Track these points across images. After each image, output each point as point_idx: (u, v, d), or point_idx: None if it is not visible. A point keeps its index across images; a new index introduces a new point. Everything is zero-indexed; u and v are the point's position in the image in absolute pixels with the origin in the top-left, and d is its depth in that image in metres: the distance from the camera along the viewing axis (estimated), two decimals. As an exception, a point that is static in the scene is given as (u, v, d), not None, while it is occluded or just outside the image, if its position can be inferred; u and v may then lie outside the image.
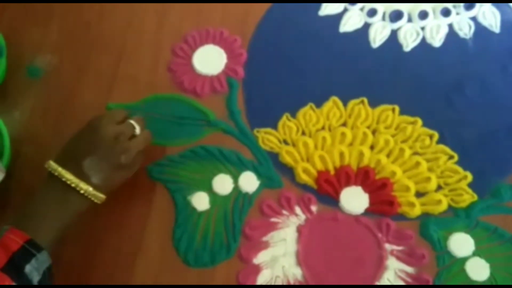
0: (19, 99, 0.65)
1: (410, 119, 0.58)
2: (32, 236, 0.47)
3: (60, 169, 0.50)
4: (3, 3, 0.70)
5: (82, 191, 0.49)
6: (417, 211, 0.55)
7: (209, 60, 0.63)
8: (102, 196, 0.51)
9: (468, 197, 0.55)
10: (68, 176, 0.49)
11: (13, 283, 0.44)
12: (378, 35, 0.62)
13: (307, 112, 0.60)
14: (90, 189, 0.50)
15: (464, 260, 0.53)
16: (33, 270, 0.45)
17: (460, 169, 0.56)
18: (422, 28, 0.62)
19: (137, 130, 0.55)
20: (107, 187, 0.51)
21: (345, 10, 0.63)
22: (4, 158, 0.59)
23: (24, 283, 0.45)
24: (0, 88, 0.65)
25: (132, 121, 0.55)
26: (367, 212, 0.56)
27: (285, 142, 0.59)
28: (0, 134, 0.60)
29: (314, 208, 0.56)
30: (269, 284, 0.54)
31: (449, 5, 0.62)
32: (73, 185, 0.49)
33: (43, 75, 0.66)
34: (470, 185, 0.55)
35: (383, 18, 0.63)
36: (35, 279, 0.46)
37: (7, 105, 0.65)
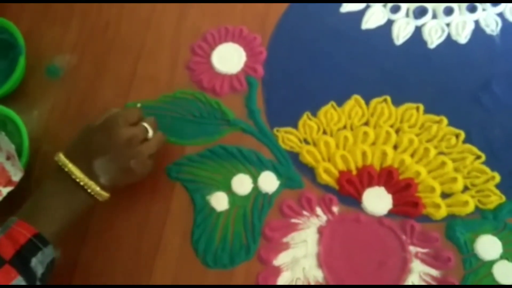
0: (38, 99, 0.65)
1: (435, 118, 0.56)
2: (39, 230, 0.47)
3: (70, 165, 0.50)
4: (23, 3, 0.70)
5: (89, 190, 0.50)
6: (442, 212, 0.53)
7: (228, 58, 0.63)
8: (106, 195, 0.52)
9: (495, 198, 0.53)
10: (78, 174, 0.50)
11: (19, 276, 0.44)
12: (401, 32, 0.60)
13: (329, 110, 0.58)
14: (98, 188, 0.51)
15: (491, 263, 0.51)
16: (38, 263, 0.46)
17: (487, 170, 0.54)
18: (448, 25, 0.60)
19: (150, 133, 0.54)
20: (113, 188, 0.52)
21: (368, 6, 0.62)
22: (23, 157, 0.59)
23: (29, 276, 0.45)
24: (20, 88, 0.65)
25: (145, 124, 0.54)
26: (391, 213, 0.54)
27: (306, 142, 0.58)
28: (19, 134, 0.60)
29: (335, 209, 0.55)
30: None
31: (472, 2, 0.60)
32: (81, 183, 0.50)
33: (62, 74, 0.66)
34: (497, 186, 0.53)
35: (407, 15, 0.61)
36: (39, 271, 0.46)
37: (26, 105, 0.65)
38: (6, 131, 0.60)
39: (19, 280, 0.44)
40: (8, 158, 0.59)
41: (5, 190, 0.58)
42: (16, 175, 0.58)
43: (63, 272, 0.55)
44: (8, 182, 0.58)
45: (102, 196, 0.51)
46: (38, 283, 0.46)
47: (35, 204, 0.50)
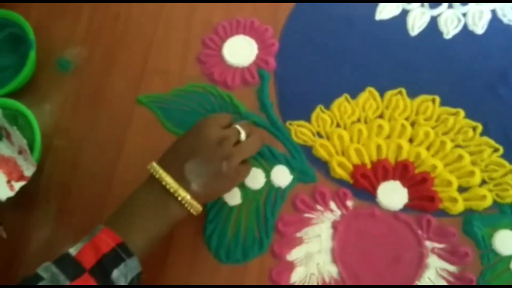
0: (49, 93, 0.65)
1: (452, 110, 0.55)
2: (124, 239, 0.45)
3: (161, 171, 0.48)
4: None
5: (179, 198, 0.48)
6: (459, 207, 0.52)
7: (240, 51, 0.62)
8: (198, 206, 0.49)
9: (514, 192, 0.52)
10: (168, 180, 0.48)
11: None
12: (416, 22, 0.59)
13: (342, 103, 0.58)
14: (188, 197, 0.48)
15: (509, 258, 0.50)
16: (121, 276, 0.44)
17: (506, 163, 0.53)
18: (464, 14, 0.59)
19: (242, 135, 0.52)
20: (206, 197, 0.50)
21: (382, -4, 0.61)
22: (35, 152, 0.59)
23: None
24: (31, 82, 0.65)
25: (237, 126, 0.52)
26: (406, 208, 0.53)
27: (319, 135, 0.57)
28: (31, 128, 0.60)
29: (350, 203, 0.54)
30: (303, 283, 0.52)
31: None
32: (171, 190, 0.47)
33: (73, 68, 0.66)
34: (516, 179, 0.52)
35: (422, 5, 0.60)
36: (121, 284, 0.44)
37: (37, 99, 0.64)
38: (17, 126, 0.59)
39: None
40: (20, 152, 0.59)
41: (18, 185, 0.58)
42: (29, 170, 0.58)
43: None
44: (21, 177, 0.58)
45: (194, 207, 0.48)
46: None
47: (123, 212, 0.48)
